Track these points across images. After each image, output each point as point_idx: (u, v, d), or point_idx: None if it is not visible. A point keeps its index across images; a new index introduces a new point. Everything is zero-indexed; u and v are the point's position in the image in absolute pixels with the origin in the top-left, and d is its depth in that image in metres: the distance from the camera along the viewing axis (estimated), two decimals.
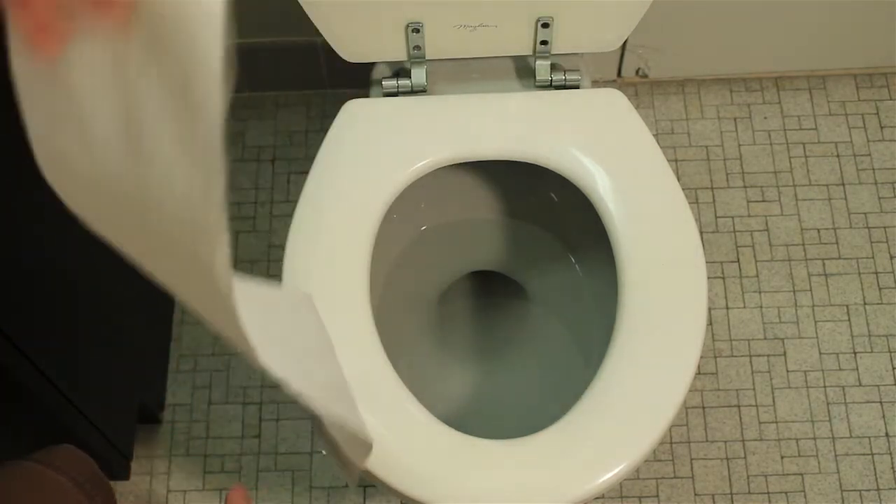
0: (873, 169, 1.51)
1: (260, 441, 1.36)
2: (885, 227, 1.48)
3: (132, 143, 0.49)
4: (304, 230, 0.99)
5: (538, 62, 1.08)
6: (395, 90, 1.08)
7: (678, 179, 1.04)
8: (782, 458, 1.35)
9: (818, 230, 1.48)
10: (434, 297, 1.22)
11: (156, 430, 1.37)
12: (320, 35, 1.04)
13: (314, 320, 0.80)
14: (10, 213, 0.93)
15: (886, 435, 1.36)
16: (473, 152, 1.03)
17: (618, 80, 1.57)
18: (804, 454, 1.35)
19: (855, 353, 1.41)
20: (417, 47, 1.05)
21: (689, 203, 1.12)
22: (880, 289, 1.44)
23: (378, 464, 0.87)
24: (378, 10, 1.01)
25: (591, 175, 1.00)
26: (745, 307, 1.44)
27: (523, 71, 1.10)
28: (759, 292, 1.45)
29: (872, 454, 1.35)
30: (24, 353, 0.92)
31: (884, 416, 1.37)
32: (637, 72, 1.55)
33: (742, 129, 1.55)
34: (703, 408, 1.38)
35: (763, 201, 1.50)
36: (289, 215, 1.00)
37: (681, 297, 0.94)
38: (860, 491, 1.33)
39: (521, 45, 1.07)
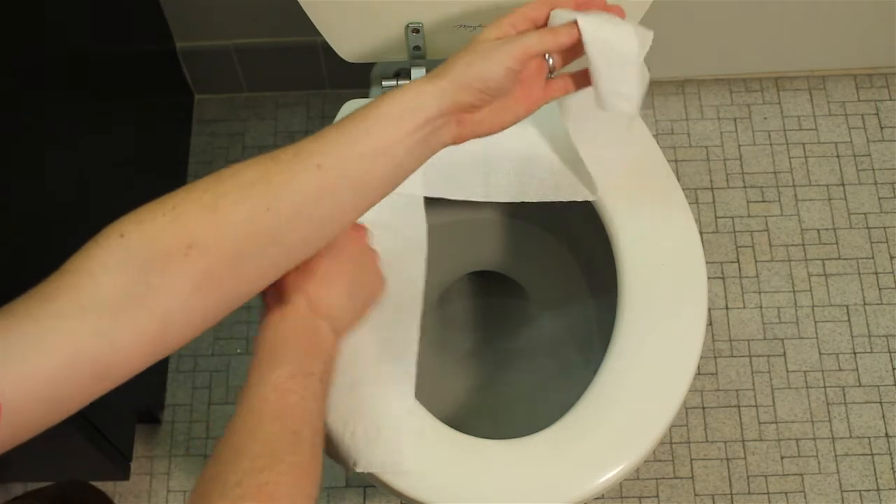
0: (873, 169, 1.51)
1: None
2: (885, 228, 1.48)
3: None
4: None
5: None
6: None
7: (678, 179, 1.04)
8: (782, 458, 1.35)
9: (818, 230, 1.48)
10: (434, 297, 1.22)
11: (156, 430, 1.37)
12: (320, 35, 1.04)
13: None
14: (12, 212, 0.93)
15: (886, 435, 1.36)
16: None
17: None
18: (804, 454, 1.35)
19: (855, 353, 1.41)
20: (417, 47, 1.05)
21: (689, 203, 1.12)
22: (880, 289, 1.44)
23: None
24: (378, 11, 1.01)
25: (591, 175, 1.00)
26: (745, 307, 1.44)
27: None
28: (759, 292, 1.44)
29: (872, 454, 1.35)
30: None
31: (884, 417, 1.37)
32: None
33: (742, 129, 1.55)
34: (703, 408, 1.38)
35: (763, 201, 1.50)
36: None
37: (681, 297, 0.94)
38: (860, 491, 1.33)
39: None
